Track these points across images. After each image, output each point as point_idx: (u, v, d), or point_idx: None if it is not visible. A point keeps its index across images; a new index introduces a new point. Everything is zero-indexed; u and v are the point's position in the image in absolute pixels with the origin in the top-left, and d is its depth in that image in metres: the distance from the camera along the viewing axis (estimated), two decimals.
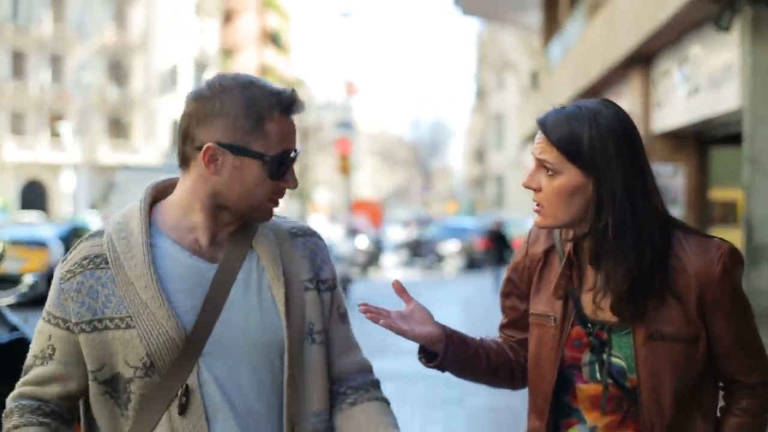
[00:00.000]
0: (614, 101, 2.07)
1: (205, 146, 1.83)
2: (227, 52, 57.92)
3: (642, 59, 9.91)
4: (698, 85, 8.15)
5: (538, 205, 2.09)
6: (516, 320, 2.27)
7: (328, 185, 66.93)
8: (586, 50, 13.04)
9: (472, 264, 30.96)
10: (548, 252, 2.19)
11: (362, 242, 28.44)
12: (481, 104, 60.68)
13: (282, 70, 63.66)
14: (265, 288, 1.90)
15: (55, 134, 47.12)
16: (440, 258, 31.60)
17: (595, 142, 2.03)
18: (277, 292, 1.89)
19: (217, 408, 1.83)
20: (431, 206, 74.51)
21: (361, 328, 2.34)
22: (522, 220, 35.68)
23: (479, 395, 8.16)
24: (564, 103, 2.09)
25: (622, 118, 2.06)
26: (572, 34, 15.58)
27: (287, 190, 1.91)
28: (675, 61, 8.95)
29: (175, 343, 1.81)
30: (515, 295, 2.26)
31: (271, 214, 1.91)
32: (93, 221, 29.38)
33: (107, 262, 1.84)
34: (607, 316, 2.08)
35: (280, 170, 1.86)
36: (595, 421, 2.09)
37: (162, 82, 51.33)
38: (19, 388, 1.90)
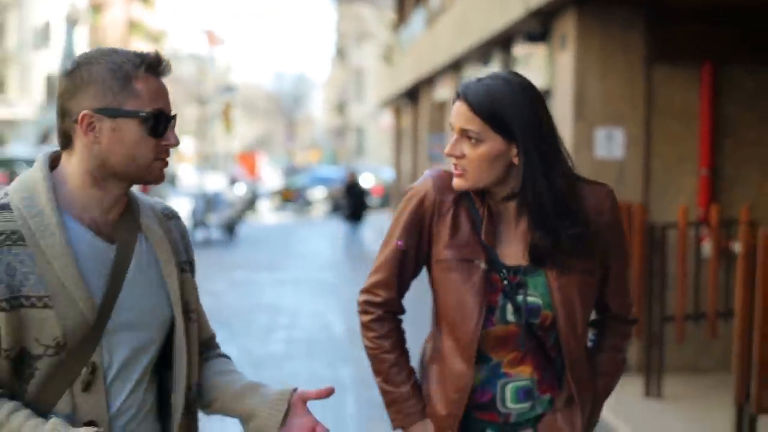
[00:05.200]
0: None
1: (80, 115, 1.81)
2: (96, 8, 59.19)
3: (453, 66, 14.02)
4: None
5: (459, 169, 2.17)
6: (405, 261, 2.27)
7: (195, 134, 67.90)
8: (422, 50, 16.56)
9: (336, 208, 31.63)
10: (457, 201, 2.23)
11: (241, 190, 30.16)
12: (341, 59, 60.36)
13: (149, 24, 65.13)
14: (154, 268, 1.92)
15: None
16: (309, 203, 34.43)
17: (516, 112, 2.12)
18: (171, 272, 1.93)
19: (116, 384, 1.87)
20: (295, 155, 72.75)
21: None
22: (378, 168, 37.74)
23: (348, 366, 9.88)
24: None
25: (534, 88, 2.17)
26: (416, 27, 18.36)
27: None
28: (478, 70, 12.34)
29: (88, 323, 1.81)
30: (416, 231, 2.25)
31: (161, 174, 1.87)
32: None
33: (24, 239, 1.79)
34: (520, 261, 2.22)
35: (159, 128, 1.84)
36: (500, 358, 2.24)
37: (36, 38, 52.91)
38: None
